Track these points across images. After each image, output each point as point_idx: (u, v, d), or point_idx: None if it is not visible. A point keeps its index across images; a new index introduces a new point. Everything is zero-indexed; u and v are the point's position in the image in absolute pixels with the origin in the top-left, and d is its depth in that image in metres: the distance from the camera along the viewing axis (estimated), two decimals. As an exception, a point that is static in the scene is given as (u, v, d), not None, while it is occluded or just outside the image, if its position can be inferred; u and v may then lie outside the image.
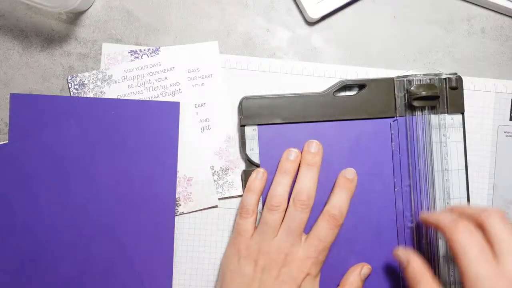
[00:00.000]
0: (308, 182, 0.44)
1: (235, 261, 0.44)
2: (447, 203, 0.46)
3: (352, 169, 0.46)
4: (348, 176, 0.45)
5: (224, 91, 0.49)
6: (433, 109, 0.47)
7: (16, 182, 0.46)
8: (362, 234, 0.46)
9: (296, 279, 0.42)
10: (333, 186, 0.46)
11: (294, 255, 0.43)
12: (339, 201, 0.44)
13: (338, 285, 0.45)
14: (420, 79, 0.46)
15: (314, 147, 0.45)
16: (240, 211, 0.45)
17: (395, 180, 0.46)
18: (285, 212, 0.44)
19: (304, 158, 0.45)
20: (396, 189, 0.46)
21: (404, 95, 0.46)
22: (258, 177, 0.46)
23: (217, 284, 0.46)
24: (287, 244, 0.43)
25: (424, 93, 0.45)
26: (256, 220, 0.45)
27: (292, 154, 0.46)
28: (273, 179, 0.45)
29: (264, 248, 0.43)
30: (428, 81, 0.46)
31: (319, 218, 0.44)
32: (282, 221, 0.44)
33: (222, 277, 0.45)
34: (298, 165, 0.45)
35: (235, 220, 0.47)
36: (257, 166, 0.47)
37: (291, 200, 0.44)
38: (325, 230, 0.43)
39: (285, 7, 0.50)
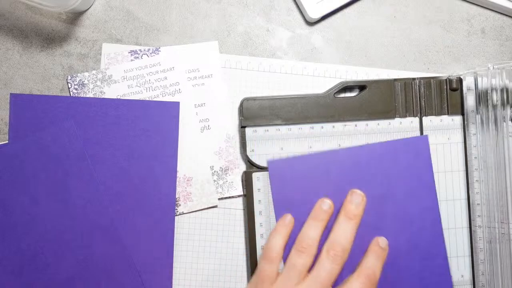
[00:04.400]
0: (345, 234, 0.41)
1: None
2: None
3: (384, 238, 0.43)
4: (381, 245, 0.43)
5: (224, 91, 0.49)
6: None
7: (16, 182, 0.46)
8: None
9: None
10: (366, 251, 0.43)
11: None
12: (375, 265, 0.41)
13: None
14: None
15: (357, 198, 0.42)
16: (265, 254, 0.41)
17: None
18: (315, 260, 0.41)
19: (345, 208, 0.42)
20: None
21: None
22: (285, 222, 0.42)
23: None
24: None
25: None
26: (279, 267, 0.41)
27: (325, 204, 0.42)
28: (304, 224, 0.42)
29: None
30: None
31: (353, 277, 0.41)
32: (310, 269, 0.41)
33: None
34: (330, 216, 0.43)
35: (257, 261, 0.43)
36: (258, 167, 0.47)
37: (324, 250, 0.40)
38: None
39: (285, 7, 0.50)
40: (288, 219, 0.42)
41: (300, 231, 0.42)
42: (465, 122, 0.47)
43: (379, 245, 0.43)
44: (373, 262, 0.42)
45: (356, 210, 0.42)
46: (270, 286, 0.40)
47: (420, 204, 0.44)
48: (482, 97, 0.46)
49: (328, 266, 0.40)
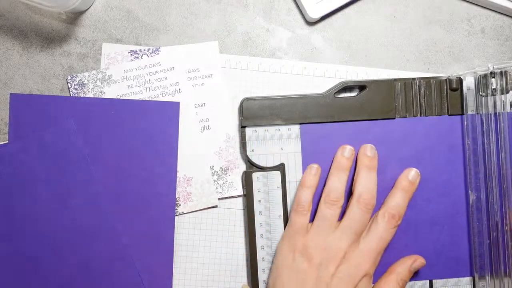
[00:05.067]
0: (370, 184, 0.44)
1: (290, 258, 0.43)
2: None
3: (416, 170, 0.46)
4: (410, 179, 0.45)
5: (224, 91, 0.49)
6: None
7: (16, 182, 0.46)
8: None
9: (353, 278, 0.42)
10: (393, 186, 0.45)
11: (352, 254, 0.42)
12: (399, 202, 0.44)
13: (385, 272, 0.44)
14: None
15: (369, 150, 0.45)
16: (296, 207, 0.44)
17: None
18: (345, 209, 0.44)
19: (362, 161, 0.45)
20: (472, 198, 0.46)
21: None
22: (312, 172, 0.45)
23: (269, 280, 0.45)
24: (346, 242, 0.42)
25: None
26: (310, 217, 0.44)
27: (346, 151, 0.45)
28: (328, 174, 0.45)
29: (321, 244, 0.42)
30: None
31: (378, 218, 0.43)
32: (341, 218, 0.44)
33: (276, 273, 0.43)
34: (353, 162, 0.46)
35: (289, 216, 0.46)
36: (258, 167, 0.47)
37: (354, 200, 0.43)
38: (385, 230, 0.43)
39: (285, 7, 0.50)
40: (314, 170, 0.45)
41: (326, 182, 0.45)
42: (465, 122, 0.47)
43: (408, 179, 0.45)
44: (398, 199, 0.44)
45: (371, 161, 0.45)
46: (304, 237, 0.43)
47: None
48: (480, 99, 0.46)
49: (360, 216, 0.43)
